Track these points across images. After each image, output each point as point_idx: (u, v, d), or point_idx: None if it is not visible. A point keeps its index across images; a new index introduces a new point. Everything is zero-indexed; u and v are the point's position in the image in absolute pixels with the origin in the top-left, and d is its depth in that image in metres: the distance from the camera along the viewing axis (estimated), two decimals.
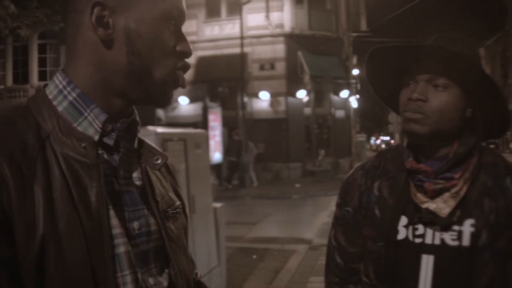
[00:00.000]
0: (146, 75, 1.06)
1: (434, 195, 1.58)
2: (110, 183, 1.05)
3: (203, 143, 5.92)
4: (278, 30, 23.94)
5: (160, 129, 4.98)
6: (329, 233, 1.92)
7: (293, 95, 24.00)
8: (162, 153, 1.18)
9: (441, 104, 1.56)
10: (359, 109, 44.99)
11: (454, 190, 1.57)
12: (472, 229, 1.55)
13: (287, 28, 24.09)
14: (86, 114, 1.04)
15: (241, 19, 21.97)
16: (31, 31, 19.81)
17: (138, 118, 1.15)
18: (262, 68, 24.26)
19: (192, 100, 24.41)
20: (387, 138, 79.88)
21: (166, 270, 1.15)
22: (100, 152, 1.05)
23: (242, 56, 22.00)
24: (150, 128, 5.00)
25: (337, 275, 1.87)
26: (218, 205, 6.22)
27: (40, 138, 0.99)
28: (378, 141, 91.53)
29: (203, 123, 21.15)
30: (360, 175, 1.82)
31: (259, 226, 12.52)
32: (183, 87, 1.14)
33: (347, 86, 25.41)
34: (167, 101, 1.13)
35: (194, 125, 22.68)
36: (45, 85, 1.10)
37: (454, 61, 1.55)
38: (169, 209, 1.20)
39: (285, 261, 8.48)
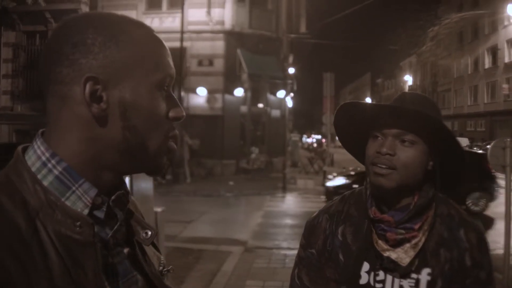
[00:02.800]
0: (141, 149, 1.03)
1: (395, 244, 1.69)
2: (104, 256, 1.02)
3: None
4: (219, 27, 23.91)
5: None
6: (292, 272, 1.97)
7: (230, 93, 24.05)
8: (150, 226, 1.16)
9: (408, 159, 1.67)
10: (293, 107, 45.48)
11: (414, 241, 1.68)
12: (428, 277, 1.67)
13: (228, 25, 24.09)
14: (74, 188, 0.99)
15: (182, 13, 21.81)
16: None
17: (127, 188, 1.11)
18: (200, 64, 24.17)
19: None
20: (319, 136, 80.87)
21: None
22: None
23: (181, 51, 21.84)
24: None
25: None
26: (159, 209, 6.22)
27: (31, 219, 0.93)
28: (310, 139, 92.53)
29: None
30: (325, 219, 1.89)
31: (193, 225, 12.52)
32: (173, 153, 1.11)
33: (284, 86, 25.66)
34: (160, 170, 1.09)
35: None
36: (23, 150, 1.03)
37: (422, 120, 1.65)
38: (161, 268, 1.20)
39: (221, 263, 8.52)
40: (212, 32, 23.99)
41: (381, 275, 1.72)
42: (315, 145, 66.88)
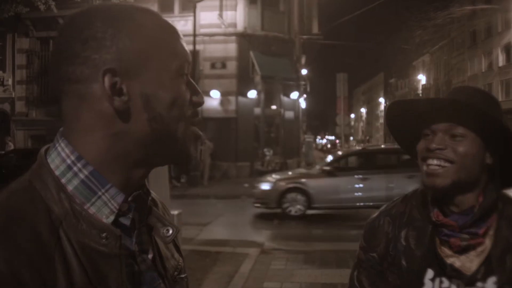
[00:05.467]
0: (170, 138, 0.99)
1: (459, 250, 1.59)
2: (130, 265, 0.99)
3: None
4: (231, 29, 23.96)
5: None
6: (350, 273, 1.89)
7: (244, 95, 24.08)
8: (172, 223, 1.11)
9: (461, 153, 1.56)
10: (306, 108, 45.44)
11: (480, 248, 1.57)
12: (495, 286, 1.56)
13: (240, 27, 24.14)
14: (100, 193, 0.95)
15: (194, 16, 21.82)
16: None
17: (148, 187, 1.08)
18: (213, 66, 24.24)
19: None
20: (332, 137, 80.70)
21: None
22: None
23: (194, 54, 21.86)
24: None
25: None
26: (175, 212, 6.22)
27: (54, 228, 0.89)
28: (324, 140, 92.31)
29: None
30: (387, 222, 1.79)
31: (210, 228, 12.51)
32: (199, 139, 1.07)
33: (297, 87, 25.65)
34: (190, 159, 1.05)
35: None
36: (45, 152, 1.00)
37: (469, 111, 1.56)
38: (176, 273, 1.15)
39: (238, 265, 8.48)
40: (224, 34, 24.04)
41: (445, 283, 1.62)
42: (329, 146, 66.67)
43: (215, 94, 23.98)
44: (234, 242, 10.58)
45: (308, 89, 35.05)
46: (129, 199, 0.99)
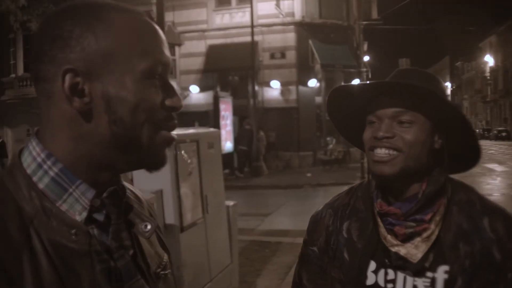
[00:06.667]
0: (133, 143, 0.97)
1: (404, 238, 1.51)
2: (105, 261, 0.97)
3: (216, 143, 5.93)
4: (289, 19, 23.83)
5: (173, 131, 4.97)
6: (295, 268, 1.86)
7: (304, 84, 23.97)
8: (150, 218, 1.12)
9: (411, 140, 1.49)
10: None
11: (425, 234, 1.50)
12: (446, 275, 1.48)
13: (298, 16, 23.97)
14: (71, 190, 0.95)
15: (251, 7, 21.83)
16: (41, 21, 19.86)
17: (123, 183, 1.07)
18: (272, 56, 24.20)
19: (203, 88, 24.43)
20: None
21: None
22: (90, 228, 0.97)
23: (253, 45, 21.88)
24: None
25: None
26: (230, 203, 6.23)
27: (24, 227, 0.89)
28: None
29: (214, 112, 21.16)
30: (328, 215, 1.73)
31: (271, 218, 12.55)
32: (171, 144, 1.04)
33: (358, 74, 25.29)
34: (160, 163, 1.03)
35: (204, 114, 22.74)
36: (20, 152, 1.00)
37: (417, 95, 1.48)
38: (159, 269, 1.13)
39: (297, 256, 8.45)
40: (282, 24, 23.95)
41: (391, 274, 1.53)
42: None
43: (275, 84, 23.97)
44: (294, 232, 10.53)
45: (370, 76, 34.54)
46: (104, 195, 0.99)
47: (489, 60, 70.48)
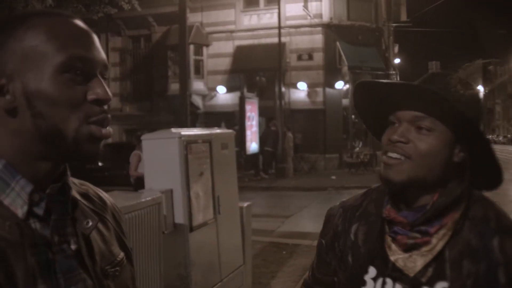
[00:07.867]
0: (56, 136, 1.02)
1: (405, 249, 1.45)
2: (43, 253, 1.01)
3: (230, 143, 5.92)
4: (316, 20, 23.74)
5: (184, 132, 4.99)
6: None
7: (331, 86, 23.84)
8: (93, 216, 1.16)
9: (425, 149, 1.41)
10: None
11: (425, 248, 1.43)
12: None
13: (326, 18, 23.85)
14: (12, 185, 1.02)
15: (279, 8, 21.82)
16: None
17: (69, 181, 1.12)
18: (300, 58, 24.14)
19: (230, 89, 24.49)
20: None
21: None
22: (33, 222, 1.02)
23: (280, 46, 21.87)
24: (174, 130, 5.01)
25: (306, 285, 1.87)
26: (244, 204, 6.22)
27: None
28: None
29: (240, 112, 21.21)
30: (339, 214, 1.69)
31: (292, 220, 12.52)
32: (106, 137, 1.09)
33: (386, 77, 25.09)
34: (89, 156, 1.08)
35: (231, 114, 22.82)
36: None
37: (440, 103, 1.38)
38: (108, 267, 1.16)
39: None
40: (310, 26, 23.87)
41: (389, 284, 1.47)
42: None
43: (302, 86, 23.90)
44: (313, 235, 10.45)
45: (398, 78, 34.23)
46: (47, 191, 1.05)
47: None
